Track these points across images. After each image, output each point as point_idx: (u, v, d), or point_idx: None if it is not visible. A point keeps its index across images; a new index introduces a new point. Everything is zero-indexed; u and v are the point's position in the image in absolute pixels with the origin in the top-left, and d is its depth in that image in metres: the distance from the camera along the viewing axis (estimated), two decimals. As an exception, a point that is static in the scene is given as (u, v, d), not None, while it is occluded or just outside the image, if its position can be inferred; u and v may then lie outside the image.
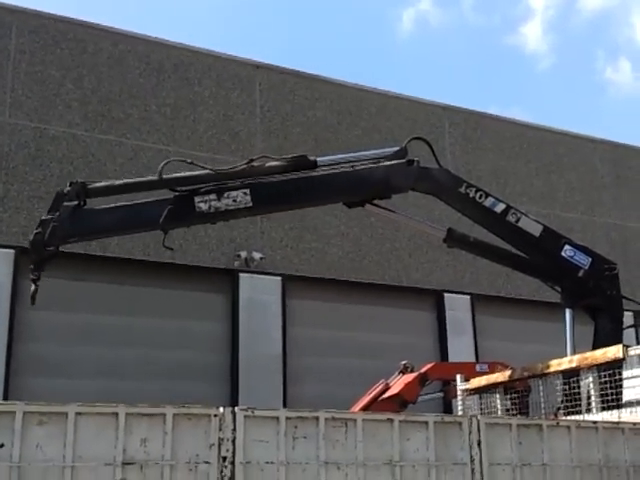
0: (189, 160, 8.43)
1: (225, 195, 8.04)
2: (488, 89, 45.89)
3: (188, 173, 8.28)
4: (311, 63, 42.21)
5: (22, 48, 13.60)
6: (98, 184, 8.36)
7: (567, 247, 9.09)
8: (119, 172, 13.74)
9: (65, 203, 7.95)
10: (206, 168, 8.44)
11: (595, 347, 8.56)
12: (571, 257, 9.05)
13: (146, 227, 8.63)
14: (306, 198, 8.69)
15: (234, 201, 8.05)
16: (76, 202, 7.99)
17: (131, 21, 47.68)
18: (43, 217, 7.94)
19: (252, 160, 8.30)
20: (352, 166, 8.61)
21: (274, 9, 42.22)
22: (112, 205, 8.20)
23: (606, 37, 47.96)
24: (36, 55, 13.68)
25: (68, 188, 8.05)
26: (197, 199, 8.02)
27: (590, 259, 9.08)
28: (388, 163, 8.66)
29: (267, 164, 8.35)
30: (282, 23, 42.40)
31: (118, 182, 8.52)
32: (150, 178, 8.50)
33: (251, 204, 8.11)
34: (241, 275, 14.21)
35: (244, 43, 39.52)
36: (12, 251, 12.18)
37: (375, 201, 8.90)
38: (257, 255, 14.27)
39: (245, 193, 8.08)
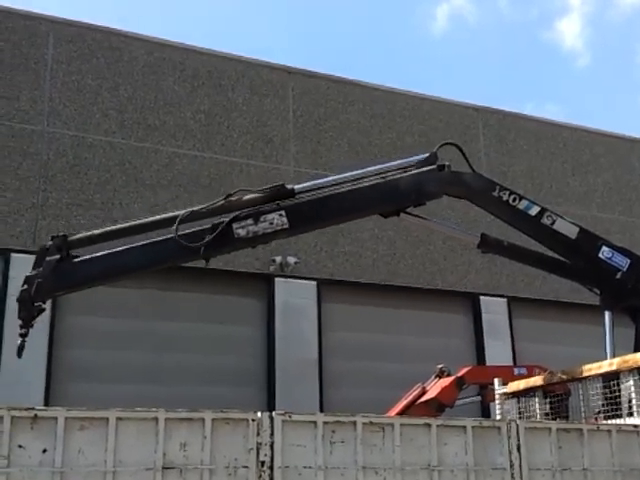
0: (188, 210, 8.33)
1: (262, 219, 8.06)
2: (524, 85, 45.55)
3: (172, 214, 8.26)
4: (343, 65, 42.25)
5: (59, 58, 13.83)
6: (78, 235, 8.35)
7: (605, 248, 8.95)
8: (155, 179, 13.91)
9: (48, 258, 7.93)
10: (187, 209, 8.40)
11: (636, 349, 8.44)
12: (609, 259, 8.91)
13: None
14: (341, 214, 8.68)
15: (271, 224, 8.07)
16: (58, 256, 7.96)
17: (161, 28, 48.18)
18: (28, 274, 7.97)
19: (230, 195, 8.30)
20: (383, 177, 8.61)
21: (304, 12, 42.39)
22: (107, 251, 8.09)
23: (645, 32, 47.19)
24: (73, 64, 13.90)
25: (50, 242, 8.07)
26: (235, 225, 8.03)
27: (629, 260, 8.93)
28: (419, 170, 8.64)
29: (245, 197, 8.34)
30: (312, 26, 42.54)
31: (98, 231, 8.47)
32: (130, 223, 8.48)
33: (287, 225, 8.13)
34: (276, 280, 14.26)
35: (275, 48, 39.73)
36: (51, 258, 12.35)
37: (409, 209, 8.87)
38: (292, 259, 14.31)
39: (281, 215, 8.10)
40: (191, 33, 41.75)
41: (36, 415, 5.08)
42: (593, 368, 8.26)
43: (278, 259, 14.20)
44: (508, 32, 45.11)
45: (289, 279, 14.35)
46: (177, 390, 12.87)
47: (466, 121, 17.21)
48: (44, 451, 5.04)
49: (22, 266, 12.03)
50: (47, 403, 11.72)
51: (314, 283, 14.55)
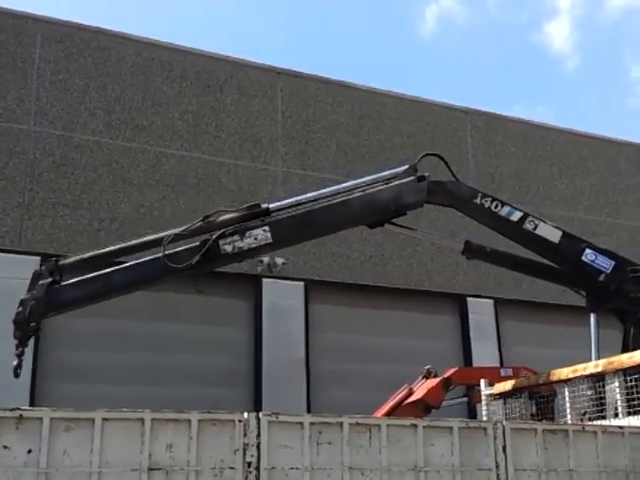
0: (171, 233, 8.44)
1: (247, 235, 8.28)
2: (512, 87, 45.71)
3: (157, 235, 8.51)
4: (331, 66, 42.18)
5: (47, 57, 13.76)
6: (69, 259, 8.62)
7: (588, 251, 9.02)
8: (142, 179, 13.87)
9: (41, 281, 8.25)
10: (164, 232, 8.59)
11: (624, 351, 8.50)
12: (592, 261, 8.99)
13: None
14: (323, 228, 8.86)
15: (255, 239, 8.29)
16: (50, 279, 8.27)
17: (150, 28, 48.08)
18: (22, 297, 8.28)
19: (207, 216, 8.49)
20: (363, 190, 8.74)
21: (293, 13, 42.39)
22: (97, 273, 8.33)
23: (633, 35, 47.47)
24: (60, 64, 13.84)
25: (43, 267, 8.42)
26: (221, 242, 8.26)
27: (613, 262, 9.00)
28: (398, 182, 8.76)
29: (221, 218, 8.52)
30: (301, 27, 42.55)
31: (88, 254, 8.76)
32: (118, 246, 8.72)
33: (271, 240, 8.33)
34: (264, 280, 14.25)
35: (264, 48, 39.65)
36: (37, 258, 12.29)
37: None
38: (280, 260, 14.29)
39: (265, 230, 8.32)
40: (181, 33, 41.70)
41: (21, 415, 5.06)
42: (579, 369, 8.30)
43: (266, 260, 14.17)
44: (497, 34, 45.30)
45: (277, 280, 14.34)
46: (164, 391, 12.83)
47: (454, 123, 17.26)
48: (29, 452, 5.03)
49: (8, 266, 12.04)
50: (32, 404, 11.66)
51: (302, 284, 14.55)
